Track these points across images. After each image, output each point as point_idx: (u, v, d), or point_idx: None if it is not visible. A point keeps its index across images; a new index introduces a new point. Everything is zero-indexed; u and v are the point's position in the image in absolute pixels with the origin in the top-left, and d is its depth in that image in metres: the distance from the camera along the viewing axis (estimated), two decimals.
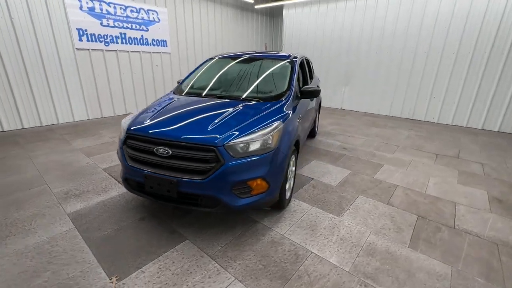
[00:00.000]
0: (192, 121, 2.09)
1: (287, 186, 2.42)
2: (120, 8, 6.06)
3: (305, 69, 3.72)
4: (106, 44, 6.03)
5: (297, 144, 2.62)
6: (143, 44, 6.71)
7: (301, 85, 3.56)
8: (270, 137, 2.02)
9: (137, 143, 2.05)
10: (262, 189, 2.01)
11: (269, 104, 2.44)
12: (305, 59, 4.13)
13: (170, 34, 7.24)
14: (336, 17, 7.63)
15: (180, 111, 2.30)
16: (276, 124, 2.12)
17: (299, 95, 2.86)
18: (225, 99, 2.60)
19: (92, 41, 5.79)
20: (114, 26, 6.06)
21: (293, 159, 2.57)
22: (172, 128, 2.02)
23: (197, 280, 1.70)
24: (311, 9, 8.13)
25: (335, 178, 3.28)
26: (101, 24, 5.85)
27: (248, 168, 1.90)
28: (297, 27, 8.58)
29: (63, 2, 5.23)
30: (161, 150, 1.93)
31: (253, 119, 2.13)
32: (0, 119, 4.85)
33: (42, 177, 3.10)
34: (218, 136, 1.88)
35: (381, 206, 2.65)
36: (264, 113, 2.26)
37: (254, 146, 1.92)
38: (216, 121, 2.05)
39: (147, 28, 6.70)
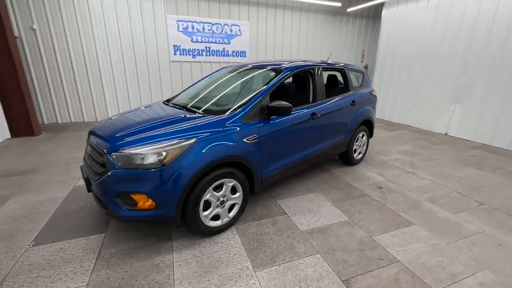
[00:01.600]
0: (118, 126, 2.23)
1: (208, 212, 2.13)
2: (208, 25, 7.11)
3: (313, 81, 3.03)
4: (193, 57, 7.26)
5: (246, 168, 2.27)
6: (224, 56, 7.57)
7: (311, 99, 3.01)
8: (164, 153, 1.86)
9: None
10: (149, 206, 1.89)
11: (204, 118, 2.22)
12: (336, 68, 3.39)
13: (250, 45, 7.76)
14: (452, 10, 5.60)
15: (128, 117, 2.51)
16: (179, 140, 1.93)
17: (266, 112, 2.39)
18: (186, 110, 2.59)
19: (183, 54, 7.14)
20: (201, 41, 7.19)
21: (226, 185, 2.19)
22: (100, 130, 2.26)
23: None
24: (418, 4, 6.36)
25: (313, 221, 2.50)
26: (191, 40, 7.10)
27: (131, 180, 1.84)
28: (396, 27, 6.96)
29: (166, 24, 6.76)
30: (87, 148, 2.22)
31: (166, 131, 2.02)
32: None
33: None
34: (113, 143, 1.94)
35: (334, 284, 1.81)
36: (185, 126, 2.08)
37: (141, 159, 1.84)
38: (132, 129, 2.11)
39: (229, 41, 7.49)
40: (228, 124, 2.18)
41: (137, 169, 1.84)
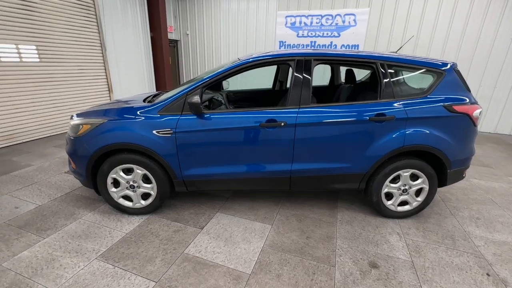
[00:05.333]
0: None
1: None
2: (316, 18, 6.58)
3: (293, 78, 2.16)
4: None
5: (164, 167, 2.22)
6: None
7: (286, 102, 2.28)
8: (81, 126, 2.21)
9: None
10: (74, 167, 2.34)
11: (131, 105, 2.33)
12: (349, 60, 2.24)
13: (366, 37, 6.36)
14: None
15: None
16: (94, 118, 2.20)
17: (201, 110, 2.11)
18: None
19: None
20: (307, 36, 6.80)
21: (135, 171, 2.21)
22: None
23: None
24: None
25: (211, 251, 1.94)
26: (297, 35, 6.89)
27: (68, 144, 2.36)
28: None
29: (275, 22, 6.99)
30: None
31: (102, 111, 2.35)
32: None
33: None
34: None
35: None
36: (112, 109, 2.30)
37: (75, 129, 2.29)
38: (96, 108, 2.60)
39: (339, 34, 6.54)
40: (141, 112, 2.17)
41: (70, 136, 2.32)
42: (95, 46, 5.31)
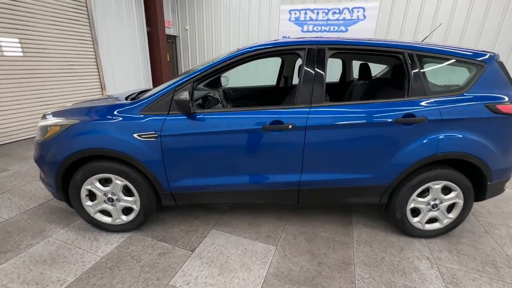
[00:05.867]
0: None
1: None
2: (323, 12, 6.20)
3: (302, 72, 1.79)
4: None
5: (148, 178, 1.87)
6: None
7: (294, 101, 1.87)
8: (48, 128, 1.85)
9: None
10: (43, 174, 1.97)
11: (109, 102, 1.99)
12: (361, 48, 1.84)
13: (376, 32, 5.97)
14: None
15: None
16: (65, 119, 1.83)
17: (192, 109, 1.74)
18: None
19: None
20: (312, 31, 6.42)
21: (114, 182, 1.85)
22: None
23: None
24: None
25: (203, 281, 1.59)
26: (302, 30, 6.51)
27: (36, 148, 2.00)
28: None
29: (279, 17, 6.60)
30: None
31: (75, 110, 1.98)
32: None
33: None
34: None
35: None
36: (87, 108, 1.93)
37: (43, 131, 1.93)
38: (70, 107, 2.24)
39: (346, 29, 6.16)
40: (119, 112, 1.81)
41: (38, 140, 1.96)
42: (85, 40, 4.96)
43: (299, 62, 3.09)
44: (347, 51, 1.86)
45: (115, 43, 5.57)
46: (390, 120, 1.76)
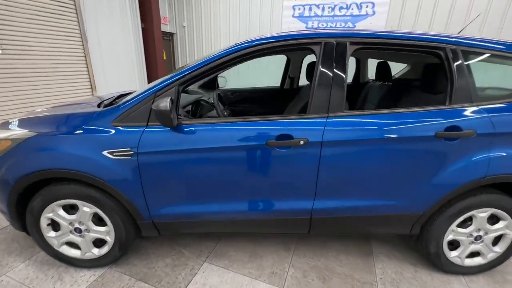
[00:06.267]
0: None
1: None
2: (329, 8, 5.80)
3: (314, 75, 1.41)
4: None
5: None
6: None
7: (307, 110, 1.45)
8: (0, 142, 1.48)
9: None
10: None
11: (97, 108, 1.61)
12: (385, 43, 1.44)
13: (386, 28, 5.57)
14: None
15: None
16: (19, 131, 1.46)
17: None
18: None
19: None
20: (318, 28, 6.02)
21: (81, 209, 1.49)
22: None
23: None
24: None
25: None
26: (306, 27, 6.11)
27: None
28: None
29: (281, 13, 6.21)
30: None
31: (37, 119, 1.62)
32: None
33: None
34: None
35: None
36: (62, 113, 1.57)
37: None
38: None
39: (354, 25, 5.76)
40: (84, 123, 1.43)
41: None
42: (73, 36, 4.58)
43: (307, 59, 2.75)
44: (375, 46, 1.48)
45: (106, 40, 5.19)
46: (429, 134, 1.38)
